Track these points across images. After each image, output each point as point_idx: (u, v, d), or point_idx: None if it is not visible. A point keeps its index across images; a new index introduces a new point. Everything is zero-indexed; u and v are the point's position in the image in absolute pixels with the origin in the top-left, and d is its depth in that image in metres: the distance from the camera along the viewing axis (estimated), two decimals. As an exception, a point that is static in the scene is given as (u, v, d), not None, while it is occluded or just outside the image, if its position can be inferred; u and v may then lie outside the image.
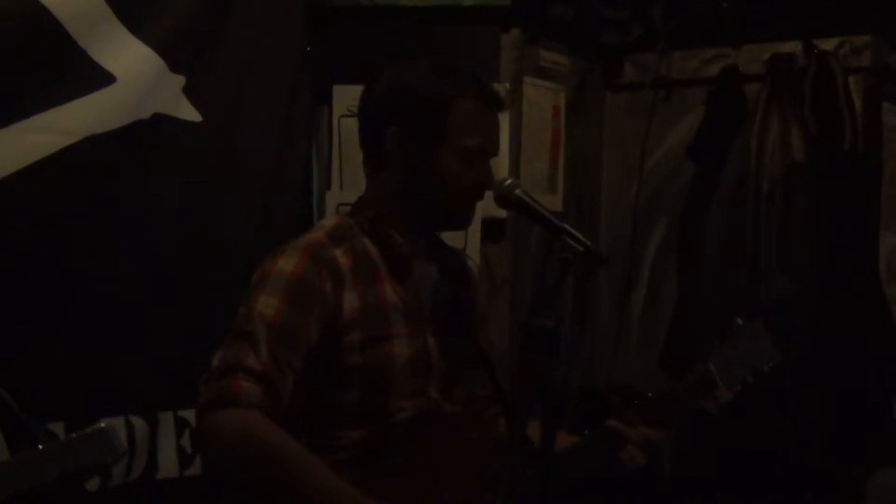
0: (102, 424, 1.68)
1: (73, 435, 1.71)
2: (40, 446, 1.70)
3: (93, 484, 3.11)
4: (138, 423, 3.29)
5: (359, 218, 2.60)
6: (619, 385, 4.38)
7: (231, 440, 2.34)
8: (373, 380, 2.49)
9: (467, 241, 3.70)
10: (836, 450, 3.93)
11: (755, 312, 3.32)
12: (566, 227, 2.36)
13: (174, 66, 3.37)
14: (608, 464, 2.63)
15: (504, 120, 2.69)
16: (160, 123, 3.34)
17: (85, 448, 1.69)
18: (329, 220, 2.68)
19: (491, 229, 3.85)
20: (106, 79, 3.19)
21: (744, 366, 2.75)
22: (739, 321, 2.80)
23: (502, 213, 3.65)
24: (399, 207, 2.58)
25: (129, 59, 3.25)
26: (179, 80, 3.40)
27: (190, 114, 3.44)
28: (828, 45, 4.09)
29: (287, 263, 2.47)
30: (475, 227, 3.75)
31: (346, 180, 3.91)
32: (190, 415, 3.39)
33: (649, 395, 2.71)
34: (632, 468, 2.63)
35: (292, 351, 2.41)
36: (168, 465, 3.38)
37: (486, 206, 2.71)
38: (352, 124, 3.86)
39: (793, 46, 4.13)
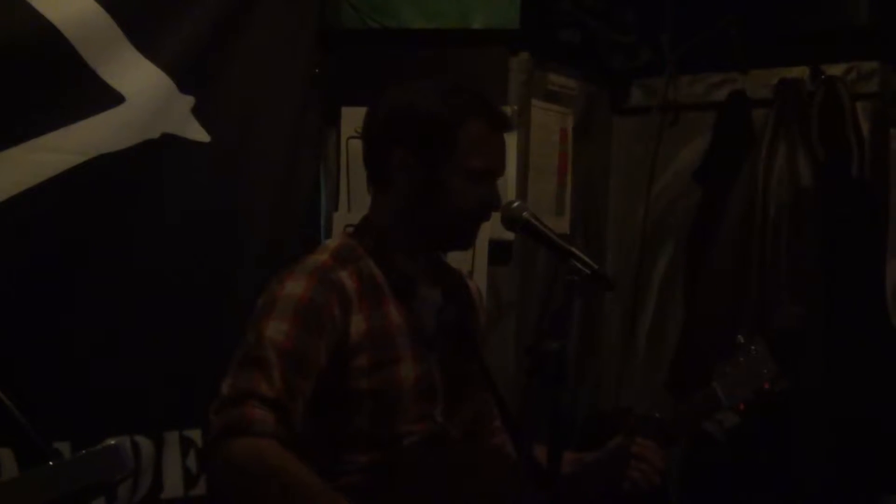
0: (112, 441, 1.68)
1: (84, 452, 1.70)
2: (51, 463, 1.69)
3: (98, 503, 3.10)
4: (144, 442, 3.29)
5: (363, 239, 2.58)
6: (624, 408, 4.37)
7: (246, 469, 2.32)
8: (380, 404, 2.47)
9: (474, 264, 3.70)
10: (846, 477, 3.91)
11: (753, 331, 3.31)
12: (573, 249, 2.37)
13: (183, 87, 3.38)
14: (621, 481, 2.62)
15: (511, 142, 2.70)
16: (169, 143, 3.35)
17: (95, 465, 1.69)
18: (333, 242, 2.66)
19: (498, 252, 3.85)
20: (115, 99, 3.20)
21: (745, 384, 2.76)
22: (741, 338, 2.80)
23: (509, 236, 3.65)
24: (403, 229, 2.57)
25: (138, 79, 3.26)
26: (188, 100, 3.41)
27: (199, 134, 3.45)
28: (835, 70, 4.10)
29: (295, 287, 2.44)
30: (482, 250, 3.75)
31: (354, 201, 3.92)
32: (195, 435, 3.40)
33: (656, 415, 2.70)
34: (644, 488, 2.61)
35: (304, 377, 2.39)
36: (173, 484, 3.38)
37: (494, 229, 2.71)
38: (360, 145, 3.87)
39: (800, 72, 4.14)
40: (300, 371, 2.39)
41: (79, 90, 3.13)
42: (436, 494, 2.47)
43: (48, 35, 3.03)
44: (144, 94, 3.27)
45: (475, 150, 2.52)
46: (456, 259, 2.76)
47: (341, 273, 2.49)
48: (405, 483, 2.47)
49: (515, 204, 2.51)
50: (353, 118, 3.90)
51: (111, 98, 3.19)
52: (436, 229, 2.57)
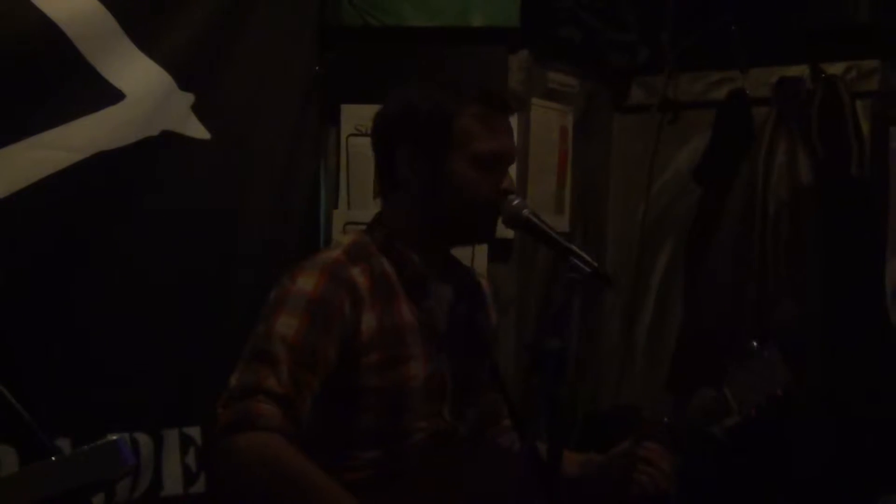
0: (114, 437, 1.68)
1: (85, 448, 1.70)
2: (51, 459, 1.70)
3: (97, 500, 3.10)
4: (143, 440, 3.29)
5: (376, 236, 2.57)
6: (624, 406, 4.38)
7: (252, 463, 2.31)
8: (389, 401, 2.46)
9: (474, 261, 3.69)
10: (846, 476, 3.91)
11: (765, 335, 3.31)
12: (573, 247, 2.36)
13: (183, 84, 3.38)
14: (629, 485, 2.61)
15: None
16: (168, 141, 3.35)
17: (96, 461, 1.69)
18: (346, 239, 2.64)
19: (498, 249, 3.85)
20: (115, 96, 3.20)
21: (758, 390, 2.73)
22: (754, 344, 2.78)
23: (509, 233, 3.64)
24: (416, 226, 2.55)
25: (138, 76, 3.26)
26: (188, 97, 3.41)
27: (198, 131, 3.45)
28: (835, 69, 4.10)
29: (306, 283, 2.43)
30: (482, 247, 3.75)
31: (354, 199, 3.92)
32: (195, 432, 3.40)
33: (665, 419, 2.68)
34: (651, 492, 2.60)
35: (312, 373, 2.38)
36: (172, 482, 3.38)
37: (494, 226, 2.70)
38: (359, 143, 3.91)
39: (800, 70, 4.14)
40: (309, 367, 2.38)
41: (78, 87, 3.13)
42: (442, 492, 2.47)
43: (48, 32, 3.03)
44: (144, 92, 3.27)
45: (477, 135, 2.50)
46: (455, 256, 2.76)
47: (353, 270, 2.48)
48: (411, 480, 2.47)
49: (516, 201, 2.50)
50: (352, 116, 3.90)
51: (111, 95, 3.19)
52: (450, 223, 2.54)
